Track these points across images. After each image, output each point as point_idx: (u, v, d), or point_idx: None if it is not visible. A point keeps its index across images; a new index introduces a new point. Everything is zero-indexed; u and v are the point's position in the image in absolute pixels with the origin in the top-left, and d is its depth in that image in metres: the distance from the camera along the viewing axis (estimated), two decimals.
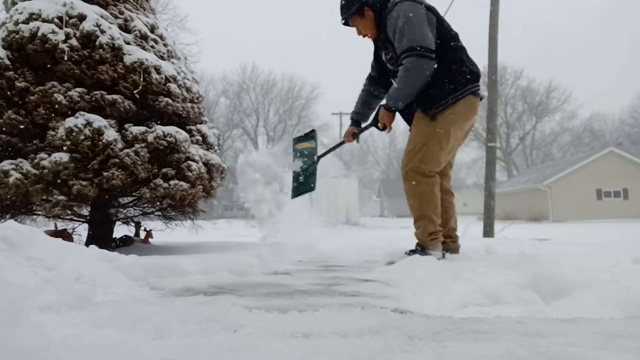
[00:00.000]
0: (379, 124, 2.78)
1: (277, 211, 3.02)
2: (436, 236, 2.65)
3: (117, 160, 3.30)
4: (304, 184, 3.00)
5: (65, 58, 3.33)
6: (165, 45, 4.12)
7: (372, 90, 3.03)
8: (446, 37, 2.63)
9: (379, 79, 2.98)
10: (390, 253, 2.77)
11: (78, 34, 3.42)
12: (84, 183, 3.21)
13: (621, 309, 1.33)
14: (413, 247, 2.67)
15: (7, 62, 3.35)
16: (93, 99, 3.43)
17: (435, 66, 2.52)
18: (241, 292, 1.72)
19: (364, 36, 2.79)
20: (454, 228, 2.97)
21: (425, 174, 2.62)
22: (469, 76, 2.62)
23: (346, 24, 2.82)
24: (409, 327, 1.01)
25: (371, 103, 3.04)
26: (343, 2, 2.77)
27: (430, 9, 2.60)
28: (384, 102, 2.72)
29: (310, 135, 3.16)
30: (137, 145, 3.43)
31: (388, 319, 1.07)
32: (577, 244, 4.59)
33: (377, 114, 2.82)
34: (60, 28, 3.38)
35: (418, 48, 2.46)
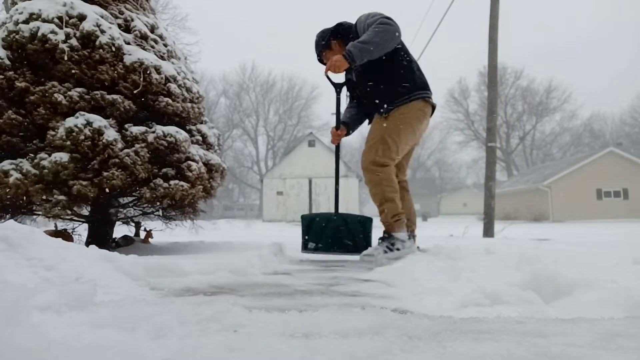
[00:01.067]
0: (327, 66, 2.75)
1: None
2: (399, 217, 2.84)
3: (117, 160, 3.30)
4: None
5: (65, 58, 3.33)
6: (165, 45, 4.12)
7: (356, 108, 3.25)
8: (400, 49, 2.90)
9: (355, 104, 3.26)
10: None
11: (78, 34, 3.42)
12: (84, 183, 3.21)
13: (621, 309, 1.33)
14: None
15: (7, 62, 3.35)
16: (93, 99, 3.43)
17: (390, 73, 2.85)
18: (241, 292, 1.72)
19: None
20: (413, 222, 3.14)
21: (381, 164, 2.84)
22: (417, 84, 2.91)
23: (320, 60, 3.06)
24: (409, 327, 1.01)
25: (359, 115, 3.26)
26: (315, 44, 3.05)
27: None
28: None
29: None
30: (137, 145, 3.43)
31: (388, 319, 1.07)
32: (577, 244, 4.58)
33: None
34: (60, 28, 3.37)
35: (388, 19, 2.71)
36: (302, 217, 3.27)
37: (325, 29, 3.05)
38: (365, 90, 3.02)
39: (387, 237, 2.81)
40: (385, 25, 2.67)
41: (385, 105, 2.90)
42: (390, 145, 2.86)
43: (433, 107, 3.02)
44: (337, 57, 2.68)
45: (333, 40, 2.98)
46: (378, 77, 2.90)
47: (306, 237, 3.17)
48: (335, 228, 3.10)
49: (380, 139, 2.87)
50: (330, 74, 2.83)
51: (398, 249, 2.76)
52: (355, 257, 2.95)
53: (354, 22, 2.95)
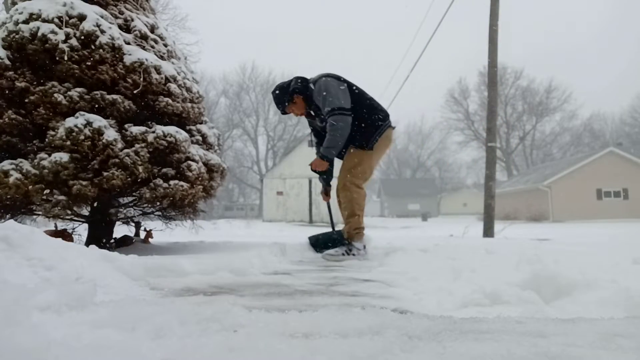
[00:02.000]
0: (313, 168, 3.48)
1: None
2: (359, 231, 3.45)
3: (117, 160, 3.30)
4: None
5: (65, 58, 3.33)
6: (165, 45, 4.12)
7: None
8: (361, 97, 3.48)
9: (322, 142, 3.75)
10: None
11: (78, 34, 3.41)
12: (84, 183, 3.21)
13: (621, 309, 1.33)
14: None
15: (7, 62, 3.35)
16: (93, 99, 3.43)
17: (355, 119, 3.37)
18: (241, 292, 1.72)
19: (299, 115, 3.61)
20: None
21: (358, 186, 3.48)
22: (382, 117, 3.51)
23: (284, 112, 3.59)
24: (409, 327, 1.01)
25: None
26: (276, 99, 3.56)
27: (341, 80, 3.45)
28: (319, 152, 3.45)
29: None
30: (137, 145, 3.43)
31: (388, 319, 1.07)
32: (577, 244, 4.58)
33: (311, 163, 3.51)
34: (60, 28, 3.37)
35: (337, 109, 3.30)
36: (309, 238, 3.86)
37: (282, 85, 3.56)
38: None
39: (348, 244, 3.40)
40: (338, 124, 3.28)
41: (369, 143, 3.47)
42: (366, 171, 3.52)
43: (393, 128, 3.67)
44: (317, 162, 3.43)
45: (297, 96, 3.49)
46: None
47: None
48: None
49: (360, 163, 3.48)
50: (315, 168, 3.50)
51: (354, 255, 3.31)
52: (359, 260, 3.20)
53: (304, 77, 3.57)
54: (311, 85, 3.47)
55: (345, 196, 3.46)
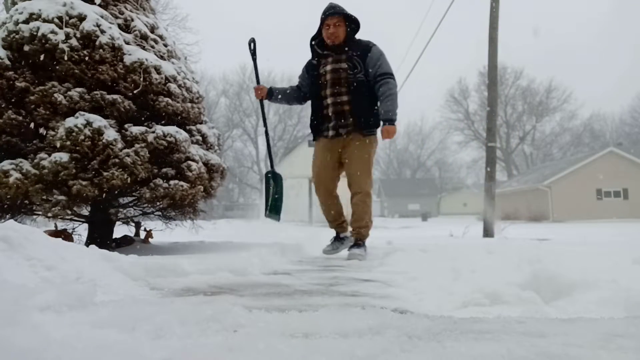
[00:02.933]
0: (389, 137, 3.28)
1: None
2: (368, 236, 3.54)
3: (117, 160, 3.30)
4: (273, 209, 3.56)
5: (65, 58, 3.33)
6: (165, 45, 4.12)
7: (297, 91, 3.67)
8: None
9: (300, 90, 3.66)
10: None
11: (78, 34, 3.42)
12: (84, 183, 3.21)
13: (621, 309, 1.33)
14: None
15: (7, 62, 3.35)
16: (93, 99, 3.43)
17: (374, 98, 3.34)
18: (241, 292, 1.72)
19: (331, 34, 3.35)
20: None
21: (371, 195, 3.47)
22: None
23: (333, 14, 3.35)
24: (409, 327, 1.00)
25: (291, 94, 3.68)
26: (339, 7, 3.38)
27: None
28: (385, 117, 3.27)
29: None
30: (137, 145, 3.43)
31: (388, 319, 1.07)
32: (577, 244, 4.58)
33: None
34: (60, 28, 3.37)
35: (393, 75, 3.33)
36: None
37: (349, 13, 3.38)
38: (346, 99, 3.34)
39: (362, 244, 3.40)
40: (393, 85, 3.28)
41: (373, 128, 3.38)
42: (371, 175, 3.49)
43: None
44: (391, 129, 3.23)
45: (352, 26, 3.42)
46: (368, 98, 3.35)
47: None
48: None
49: (371, 165, 3.43)
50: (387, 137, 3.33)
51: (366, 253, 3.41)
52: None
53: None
54: (364, 40, 3.44)
55: (366, 203, 3.40)
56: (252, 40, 3.53)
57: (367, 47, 3.35)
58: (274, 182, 3.56)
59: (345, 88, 3.32)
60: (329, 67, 3.37)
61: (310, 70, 3.52)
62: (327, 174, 3.47)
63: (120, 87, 3.55)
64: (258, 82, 3.59)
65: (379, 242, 4.30)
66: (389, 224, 19.36)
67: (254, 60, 3.55)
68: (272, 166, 3.65)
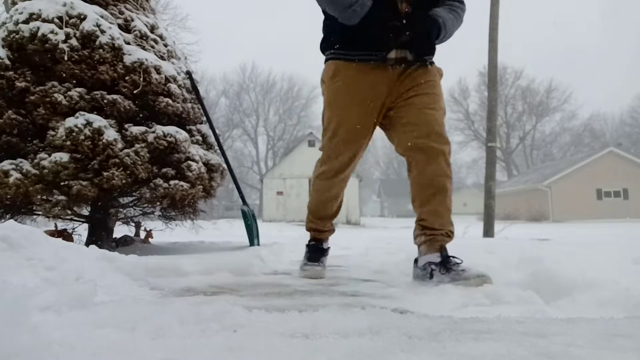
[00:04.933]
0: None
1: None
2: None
3: (117, 160, 3.30)
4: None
5: (65, 58, 3.33)
6: (165, 45, 4.12)
7: None
8: None
9: None
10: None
11: (78, 34, 3.41)
12: (84, 183, 3.21)
13: (621, 309, 1.33)
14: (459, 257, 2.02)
15: (7, 62, 3.35)
16: (93, 99, 3.43)
17: None
18: (241, 292, 1.72)
19: None
20: None
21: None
22: None
23: None
24: (409, 327, 1.00)
25: None
26: None
27: None
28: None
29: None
30: (137, 145, 3.43)
31: (388, 319, 1.07)
32: (577, 244, 4.58)
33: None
34: (61, 28, 3.37)
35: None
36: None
37: None
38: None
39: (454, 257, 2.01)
40: (462, 11, 2.16)
41: (431, 54, 2.16)
42: None
43: None
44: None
45: None
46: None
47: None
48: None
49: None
50: None
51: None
52: (359, 260, 3.12)
53: None
54: None
55: (448, 173, 2.01)
56: (188, 73, 3.93)
57: None
58: (246, 216, 4.06)
59: None
60: None
61: None
62: (363, 131, 2.18)
63: (120, 87, 3.54)
64: (206, 113, 4.02)
65: (379, 242, 4.30)
66: (388, 224, 19.34)
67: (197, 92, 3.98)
68: (243, 201, 4.19)
